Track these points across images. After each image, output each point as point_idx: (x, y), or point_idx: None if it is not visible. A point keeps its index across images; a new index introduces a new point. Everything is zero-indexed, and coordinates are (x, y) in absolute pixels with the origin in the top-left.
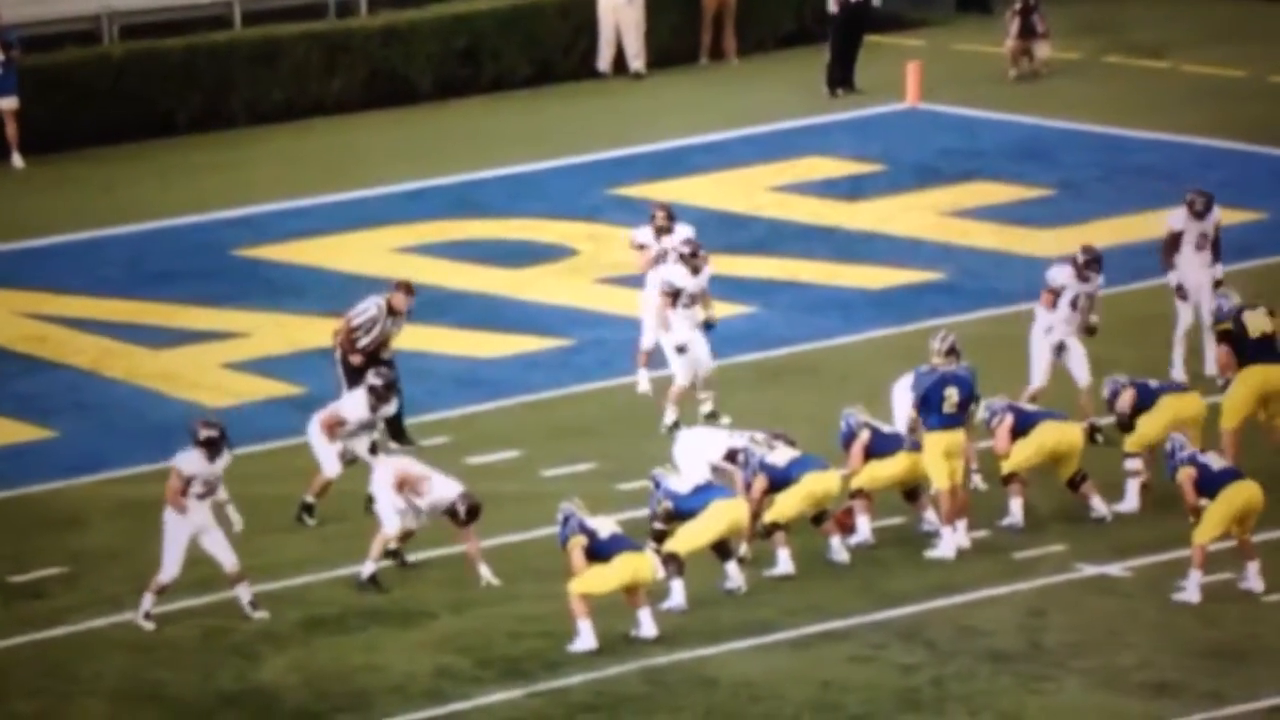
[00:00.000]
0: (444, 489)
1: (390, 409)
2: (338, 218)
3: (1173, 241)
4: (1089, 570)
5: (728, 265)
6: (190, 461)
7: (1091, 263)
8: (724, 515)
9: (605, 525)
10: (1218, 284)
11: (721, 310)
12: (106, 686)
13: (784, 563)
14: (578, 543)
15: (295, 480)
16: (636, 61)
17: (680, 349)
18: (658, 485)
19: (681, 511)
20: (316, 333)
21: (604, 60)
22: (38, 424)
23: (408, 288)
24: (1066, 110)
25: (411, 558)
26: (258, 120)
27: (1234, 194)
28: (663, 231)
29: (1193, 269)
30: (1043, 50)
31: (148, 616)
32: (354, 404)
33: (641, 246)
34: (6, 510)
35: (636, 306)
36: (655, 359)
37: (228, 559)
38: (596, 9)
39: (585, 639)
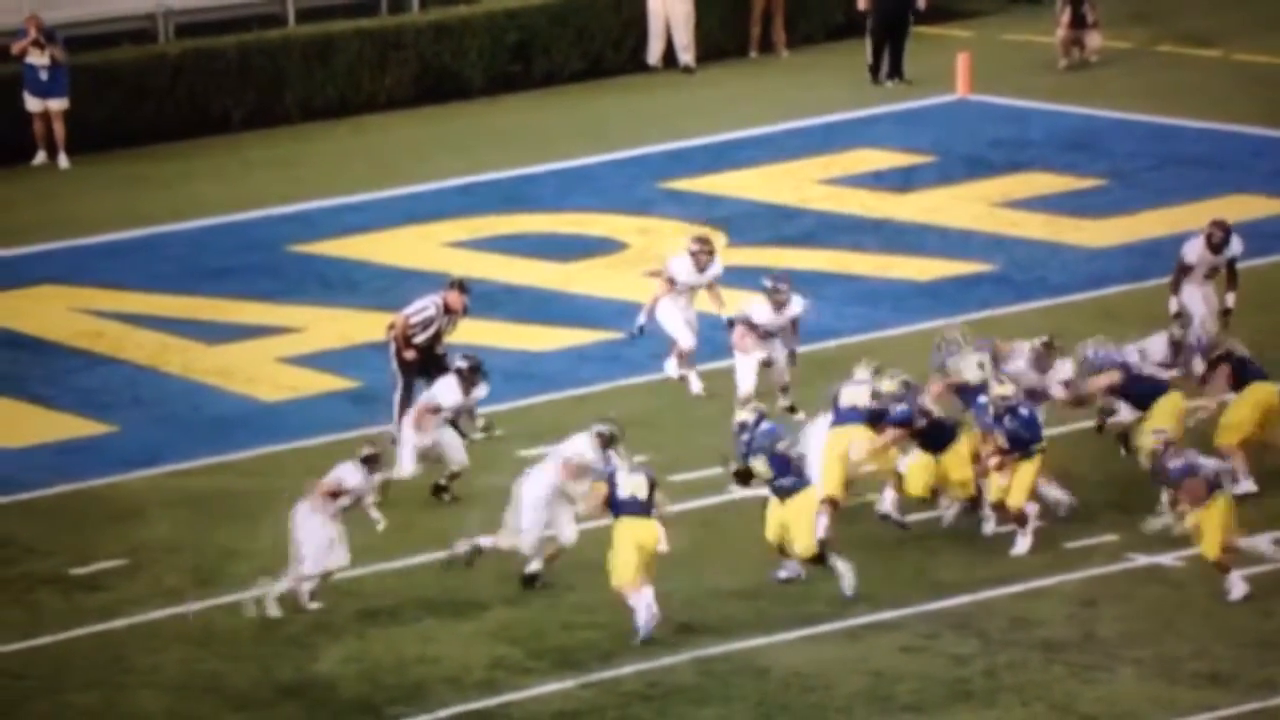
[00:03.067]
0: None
1: (482, 391)
2: (390, 213)
3: (1182, 272)
4: (1141, 560)
5: (777, 258)
6: (352, 475)
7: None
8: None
9: (630, 484)
10: (1227, 313)
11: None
12: (164, 678)
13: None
14: (599, 489)
15: None
16: (686, 55)
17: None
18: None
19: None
20: (370, 327)
21: (654, 54)
22: (97, 419)
23: (462, 286)
24: (1117, 100)
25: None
26: (311, 117)
27: None
28: (704, 263)
29: (1195, 301)
30: (1093, 40)
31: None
32: (447, 389)
33: (671, 281)
34: (67, 503)
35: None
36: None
37: (321, 561)
38: (646, 3)
39: (644, 614)
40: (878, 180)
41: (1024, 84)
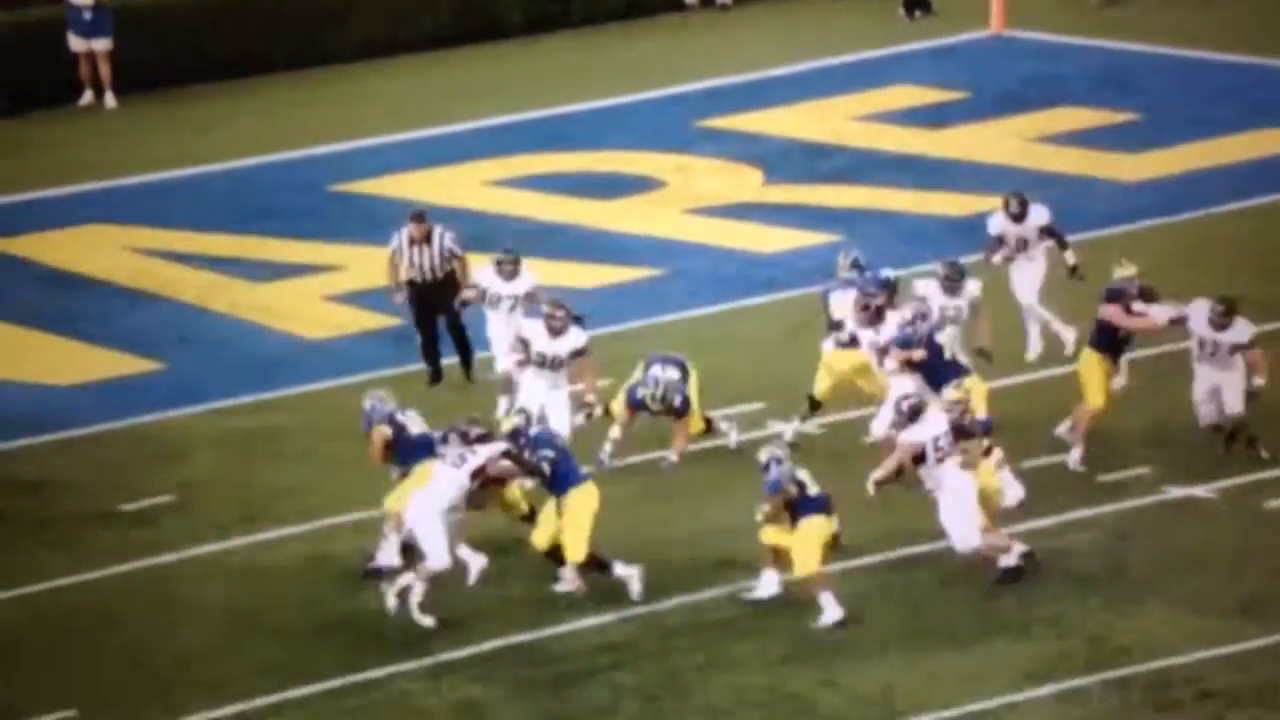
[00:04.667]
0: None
1: (570, 341)
2: (431, 152)
3: (993, 245)
4: (1175, 493)
5: (813, 195)
6: (453, 482)
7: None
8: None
9: (810, 480)
10: (1074, 270)
11: (808, 239)
12: (211, 613)
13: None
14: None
15: None
16: None
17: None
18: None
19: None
20: None
21: None
22: (145, 356)
23: (418, 216)
24: (1150, 35)
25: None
26: (353, 57)
27: None
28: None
29: (1021, 283)
30: None
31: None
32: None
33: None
34: (116, 440)
35: (724, 238)
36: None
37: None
38: None
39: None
40: (913, 116)
41: (1057, 20)
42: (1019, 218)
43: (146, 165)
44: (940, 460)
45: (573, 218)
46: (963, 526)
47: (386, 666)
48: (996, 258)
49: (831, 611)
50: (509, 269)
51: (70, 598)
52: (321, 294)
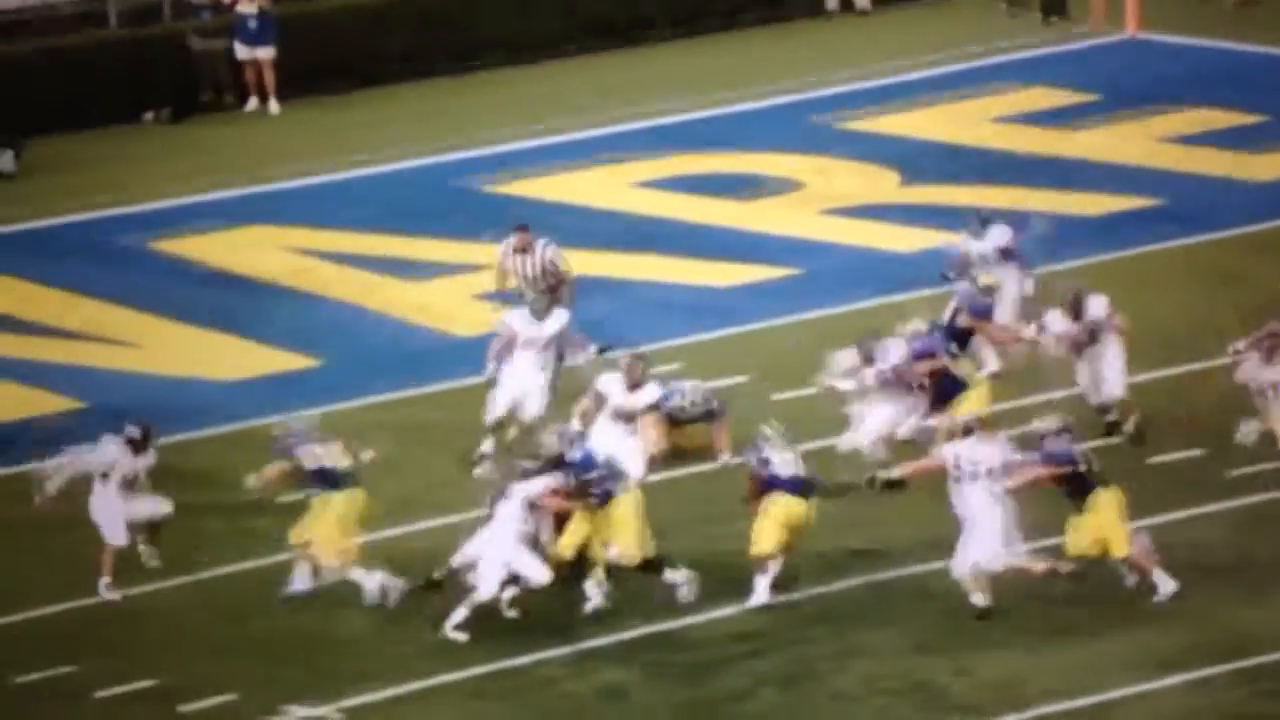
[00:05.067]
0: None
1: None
2: (580, 154)
3: (963, 264)
4: None
5: (949, 195)
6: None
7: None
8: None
9: (786, 461)
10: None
11: (942, 239)
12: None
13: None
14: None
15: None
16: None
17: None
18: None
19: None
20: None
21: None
22: (303, 353)
23: (520, 228)
24: None
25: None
26: (506, 62)
27: None
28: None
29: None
30: None
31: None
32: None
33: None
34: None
35: (861, 238)
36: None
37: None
38: None
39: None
40: (1048, 118)
41: (1193, 22)
42: (979, 236)
43: (307, 168)
44: (960, 479)
45: (713, 218)
46: (986, 547)
47: (533, 653)
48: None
49: (759, 595)
50: (541, 309)
51: (233, 585)
52: (472, 293)
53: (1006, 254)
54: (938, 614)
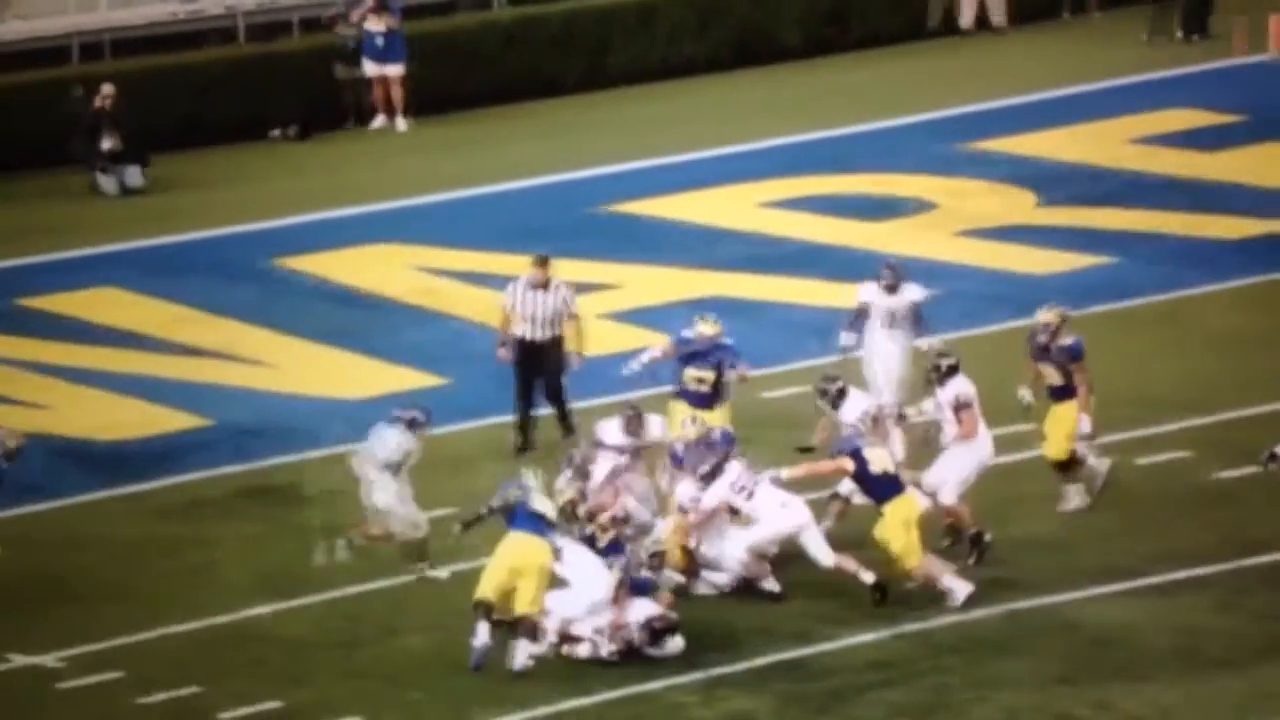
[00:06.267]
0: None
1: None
2: (706, 173)
3: (860, 314)
4: None
5: (1086, 217)
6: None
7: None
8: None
9: (879, 459)
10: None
11: (1082, 261)
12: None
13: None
14: (843, 462)
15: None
16: (998, 17)
17: None
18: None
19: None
20: (685, 285)
21: (966, 17)
22: (430, 371)
23: (540, 261)
24: None
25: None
26: (633, 80)
27: None
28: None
29: (877, 351)
30: None
31: None
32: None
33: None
34: None
35: (997, 260)
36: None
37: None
38: None
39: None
40: (1189, 140)
41: None
42: (893, 289)
43: (433, 186)
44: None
45: (844, 239)
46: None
47: (661, 680)
48: (850, 338)
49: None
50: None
51: (358, 606)
52: (598, 312)
53: (915, 312)
54: (1078, 645)
